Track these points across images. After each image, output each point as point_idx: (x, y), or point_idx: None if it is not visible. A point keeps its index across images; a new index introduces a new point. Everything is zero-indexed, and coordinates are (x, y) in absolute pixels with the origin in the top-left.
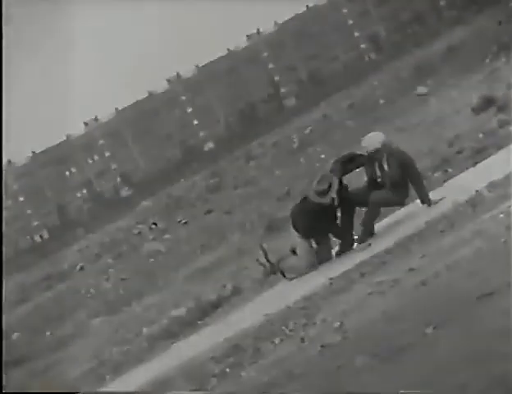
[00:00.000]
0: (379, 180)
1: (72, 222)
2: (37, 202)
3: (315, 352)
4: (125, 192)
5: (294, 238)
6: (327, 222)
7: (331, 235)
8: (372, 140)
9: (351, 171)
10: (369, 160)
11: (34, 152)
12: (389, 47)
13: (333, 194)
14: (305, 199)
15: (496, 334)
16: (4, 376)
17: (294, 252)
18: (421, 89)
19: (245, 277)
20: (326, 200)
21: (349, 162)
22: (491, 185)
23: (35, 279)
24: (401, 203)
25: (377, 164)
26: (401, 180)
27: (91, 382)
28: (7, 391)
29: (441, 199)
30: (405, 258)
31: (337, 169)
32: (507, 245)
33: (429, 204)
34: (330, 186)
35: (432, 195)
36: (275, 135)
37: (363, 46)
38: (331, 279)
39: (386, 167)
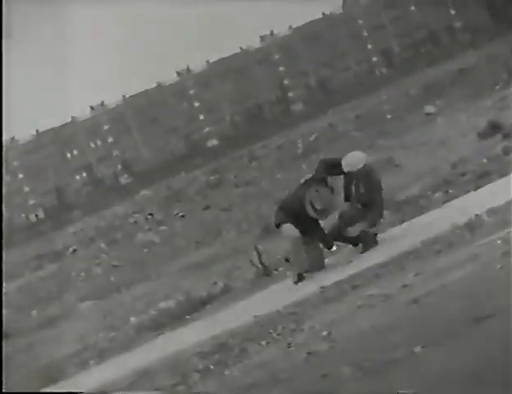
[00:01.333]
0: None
1: (69, 204)
2: (36, 181)
3: (301, 358)
4: (124, 180)
5: (285, 232)
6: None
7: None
8: (355, 160)
9: (333, 176)
10: (347, 178)
11: (38, 131)
12: (401, 63)
13: (334, 217)
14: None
15: (484, 358)
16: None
17: (287, 260)
18: (429, 109)
19: (237, 276)
20: (322, 219)
21: (334, 168)
22: (491, 211)
23: (27, 257)
24: (374, 225)
25: (354, 183)
26: (373, 201)
27: (74, 365)
28: (7, 390)
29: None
30: (399, 274)
31: (321, 170)
32: (503, 271)
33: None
34: (329, 208)
35: (432, 216)
36: (280, 138)
37: (374, 59)
38: (322, 288)
39: (361, 188)
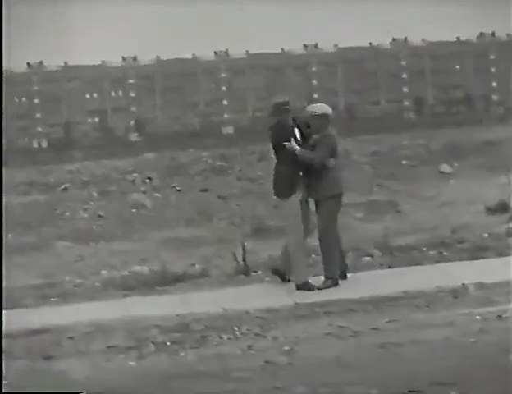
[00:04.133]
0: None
1: (74, 142)
2: (49, 110)
3: (258, 364)
4: (133, 137)
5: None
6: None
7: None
8: (323, 108)
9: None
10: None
11: (66, 63)
12: (430, 114)
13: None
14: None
15: None
16: None
17: (275, 272)
18: (445, 168)
19: (217, 265)
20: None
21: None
22: (479, 285)
23: (17, 181)
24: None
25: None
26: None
27: (33, 298)
28: (7, 390)
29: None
30: (373, 315)
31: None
32: (475, 346)
33: None
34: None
35: (420, 271)
36: None
37: (406, 103)
38: (296, 303)
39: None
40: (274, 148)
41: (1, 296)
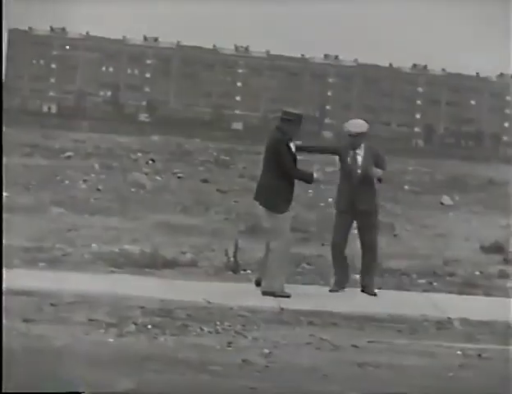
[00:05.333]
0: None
1: (83, 112)
2: (64, 77)
3: (235, 362)
4: (143, 117)
5: None
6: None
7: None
8: (359, 124)
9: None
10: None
11: (88, 32)
12: (439, 145)
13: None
14: None
15: None
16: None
17: (258, 284)
18: (446, 200)
19: (207, 258)
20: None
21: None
22: (464, 321)
23: (21, 142)
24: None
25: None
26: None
27: (22, 260)
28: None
29: None
30: (355, 333)
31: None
32: (452, 381)
33: None
34: None
35: (408, 297)
36: (299, 155)
37: (416, 129)
38: (282, 309)
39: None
40: (267, 157)
41: (1, 304)
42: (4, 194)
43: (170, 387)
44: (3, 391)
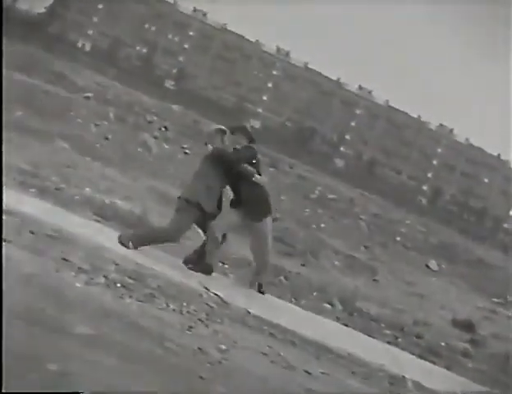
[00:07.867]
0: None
1: (113, 59)
2: (106, 22)
3: (190, 347)
4: (169, 84)
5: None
6: None
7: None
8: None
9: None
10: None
11: None
12: (440, 207)
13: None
14: None
15: None
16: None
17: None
18: (433, 264)
19: (191, 238)
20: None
21: None
22: (418, 386)
23: (48, 68)
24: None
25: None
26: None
27: (14, 181)
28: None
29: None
30: (310, 359)
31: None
32: None
33: None
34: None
35: (372, 344)
36: (304, 172)
37: (424, 187)
38: (248, 312)
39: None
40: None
41: (1, 301)
42: (17, 113)
43: (125, 348)
44: (3, 391)
